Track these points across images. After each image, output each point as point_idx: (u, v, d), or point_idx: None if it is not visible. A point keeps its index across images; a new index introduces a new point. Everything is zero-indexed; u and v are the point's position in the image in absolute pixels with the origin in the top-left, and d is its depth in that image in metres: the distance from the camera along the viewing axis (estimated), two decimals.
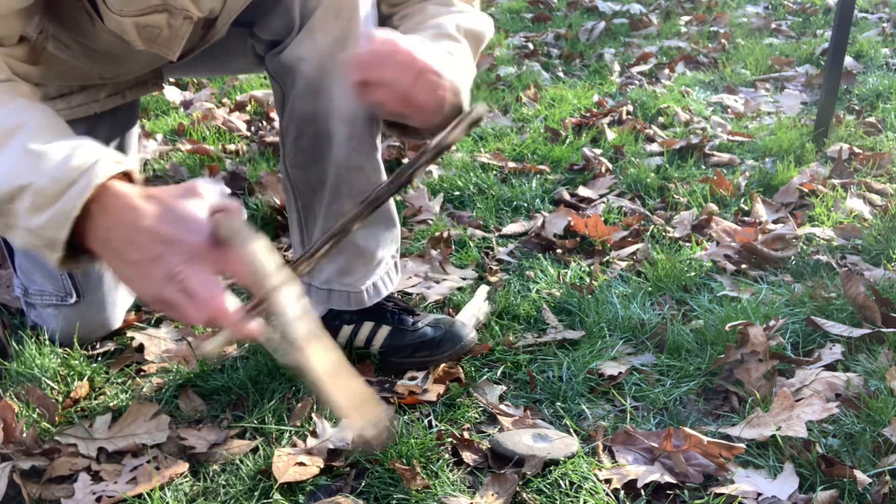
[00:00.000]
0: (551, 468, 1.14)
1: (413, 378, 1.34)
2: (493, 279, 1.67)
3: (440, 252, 1.75)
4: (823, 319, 1.43)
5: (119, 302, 1.47)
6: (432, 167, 2.20)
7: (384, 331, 1.38)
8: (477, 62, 1.26)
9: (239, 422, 1.26)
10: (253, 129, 2.60)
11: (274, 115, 2.67)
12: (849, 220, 1.86)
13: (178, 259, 0.81)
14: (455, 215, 1.99)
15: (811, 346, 1.40)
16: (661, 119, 2.63)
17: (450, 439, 1.20)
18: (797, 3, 4.21)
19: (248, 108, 2.77)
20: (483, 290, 1.58)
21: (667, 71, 3.19)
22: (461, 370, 1.36)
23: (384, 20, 1.25)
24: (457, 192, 2.09)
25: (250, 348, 1.43)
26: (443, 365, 1.36)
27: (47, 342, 1.41)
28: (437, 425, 1.24)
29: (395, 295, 1.44)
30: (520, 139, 2.43)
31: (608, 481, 1.11)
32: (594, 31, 3.72)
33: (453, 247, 1.81)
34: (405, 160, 2.25)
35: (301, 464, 1.14)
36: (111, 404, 1.30)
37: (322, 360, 0.68)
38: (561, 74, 3.22)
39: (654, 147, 2.38)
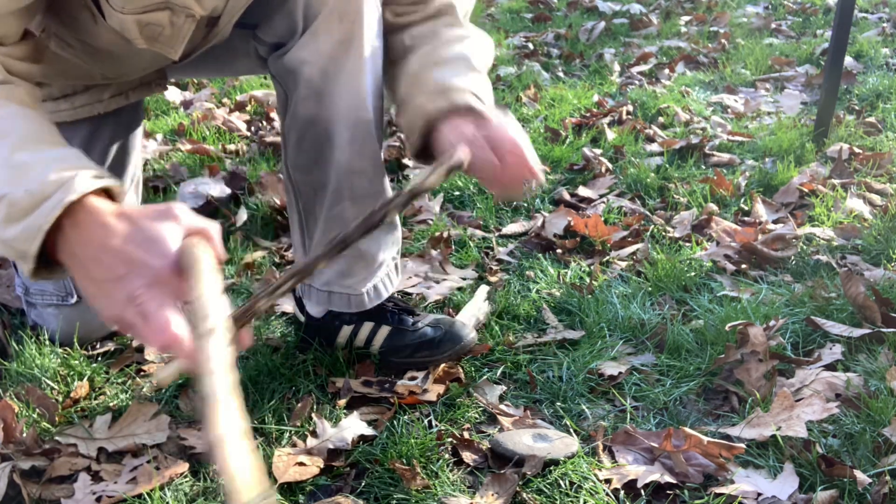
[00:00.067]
0: (551, 468, 1.13)
1: (413, 378, 1.34)
2: (493, 279, 1.67)
3: (440, 252, 1.75)
4: (823, 319, 1.43)
5: None
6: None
7: (384, 331, 1.38)
8: None
9: None
10: (253, 129, 2.60)
11: (274, 115, 2.67)
12: (849, 220, 1.86)
13: (139, 282, 0.82)
14: (455, 215, 1.99)
15: (811, 346, 1.40)
16: (661, 119, 2.63)
17: (450, 439, 1.20)
18: (797, 3, 4.21)
19: (248, 108, 2.77)
20: (483, 290, 1.58)
21: (667, 71, 3.19)
22: (461, 370, 1.36)
23: (390, 29, 1.24)
24: (457, 192, 2.09)
25: (250, 348, 1.43)
26: (443, 365, 1.36)
27: (47, 342, 1.41)
28: (437, 425, 1.24)
29: (395, 295, 1.44)
30: None
31: (608, 481, 1.11)
32: (594, 31, 3.72)
33: (453, 247, 1.81)
34: (405, 160, 2.25)
35: (301, 464, 1.14)
36: (111, 404, 1.30)
37: (228, 422, 0.66)
38: (561, 74, 3.22)
39: (654, 147, 2.38)
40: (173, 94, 2.90)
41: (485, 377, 1.35)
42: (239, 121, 2.62)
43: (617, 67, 3.25)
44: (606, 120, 2.57)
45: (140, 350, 1.44)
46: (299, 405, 1.27)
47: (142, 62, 1.24)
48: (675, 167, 2.21)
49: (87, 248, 0.84)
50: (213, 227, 0.89)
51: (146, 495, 1.09)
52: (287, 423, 1.25)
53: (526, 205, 2.01)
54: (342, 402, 1.29)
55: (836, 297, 1.50)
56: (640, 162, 2.24)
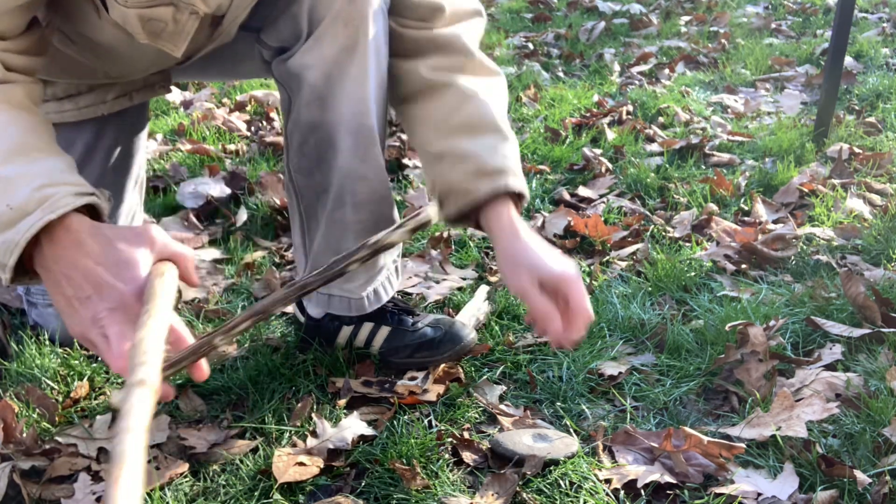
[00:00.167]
0: (551, 468, 1.13)
1: (413, 378, 1.34)
2: (493, 279, 1.67)
3: (440, 252, 1.75)
4: (823, 319, 1.43)
5: None
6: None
7: (384, 331, 1.38)
8: None
9: (239, 422, 1.26)
10: (253, 129, 2.60)
11: (274, 115, 2.67)
12: (849, 220, 1.86)
13: (104, 305, 0.85)
14: None
15: (811, 346, 1.40)
16: (661, 119, 2.63)
17: (450, 439, 1.20)
18: (797, 3, 4.21)
19: (248, 108, 2.77)
20: (483, 290, 1.58)
21: (667, 71, 3.19)
22: (461, 370, 1.36)
23: (395, 40, 1.22)
24: None
25: (250, 348, 1.43)
26: (443, 365, 1.36)
27: (47, 342, 1.41)
28: (437, 425, 1.24)
29: (395, 295, 1.44)
30: (520, 139, 2.43)
31: (608, 481, 1.11)
32: (594, 31, 3.72)
33: (453, 247, 1.81)
34: (405, 160, 2.25)
35: (301, 464, 1.14)
36: (111, 404, 1.30)
37: (128, 490, 0.67)
38: (561, 74, 3.22)
39: (654, 147, 2.38)
40: (173, 94, 2.90)
41: (485, 377, 1.35)
42: (239, 121, 2.62)
43: (617, 67, 3.25)
44: (606, 120, 2.57)
45: None
46: (299, 405, 1.27)
47: (144, 62, 1.24)
48: (675, 167, 2.21)
49: (59, 264, 0.88)
50: (187, 253, 0.93)
51: (146, 495, 1.09)
52: (287, 423, 1.25)
53: (526, 205, 2.01)
54: (342, 402, 1.29)
55: (836, 297, 1.50)
56: (640, 162, 2.24)
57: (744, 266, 1.69)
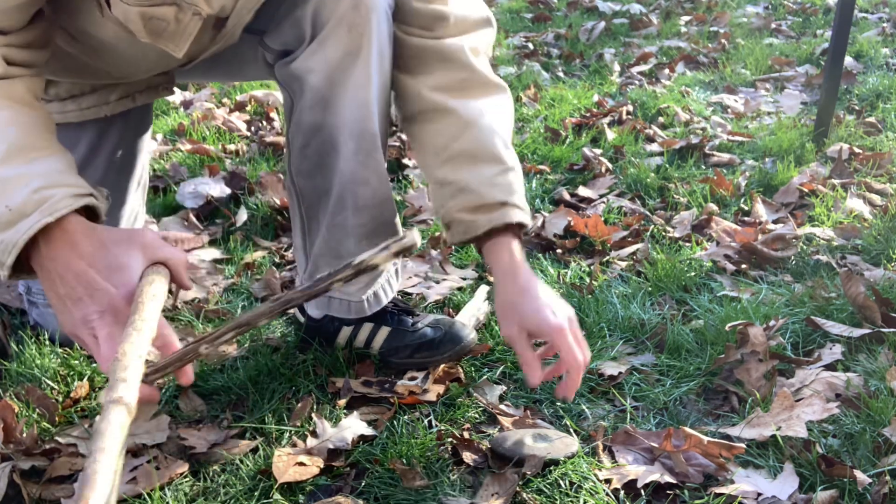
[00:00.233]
0: (551, 468, 1.13)
1: (413, 378, 1.34)
2: (493, 279, 1.67)
3: (440, 252, 1.75)
4: (823, 319, 1.43)
5: None
6: None
7: (384, 332, 1.38)
8: None
9: (239, 422, 1.26)
10: (253, 129, 2.60)
11: (274, 115, 2.67)
12: (849, 220, 1.86)
13: (94, 307, 0.89)
14: None
15: (811, 346, 1.40)
16: (661, 119, 2.63)
17: (450, 439, 1.20)
18: (797, 3, 4.21)
19: (248, 108, 2.77)
20: (483, 290, 1.58)
21: (667, 71, 3.19)
22: (461, 370, 1.36)
23: (398, 47, 1.21)
24: None
25: (250, 348, 1.43)
26: (443, 365, 1.36)
27: (47, 342, 1.41)
28: (437, 425, 1.24)
29: (395, 295, 1.44)
30: (520, 139, 2.43)
31: (608, 481, 1.11)
32: (594, 31, 3.72)
33: (453, 247, 1.81)
34: (405, 160, 2.25)
35: (301, 464, 1.14)
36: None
37: (97, 502, 0.68)
38: (561, 74, 3.22)
39: (654, 147, 2.39)
40: (173, 94, 2.90)
41: (485, 377, 1.35)
42: (239, 121, 2.62)
43: (617, 67, 3.25)
44: (606, 120, 2.57)
45: None
46: (299, 405, 1.27)
47: (147, 62, 1.23)
48: (675, 167, 2.21)
49: (54, 264, 0.90)
50: (179, 258, 0.96)
51: (146, 495, 1.09)
52: (287, 423, 1.25)
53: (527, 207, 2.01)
54: (342, 402, 1.29)
55: (836, 297, 1.50)
56: (640, 162, 2.24)
57: (744, 266, 1.69)
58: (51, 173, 0.92)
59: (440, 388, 1.32)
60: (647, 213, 1.97)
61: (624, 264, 1.73)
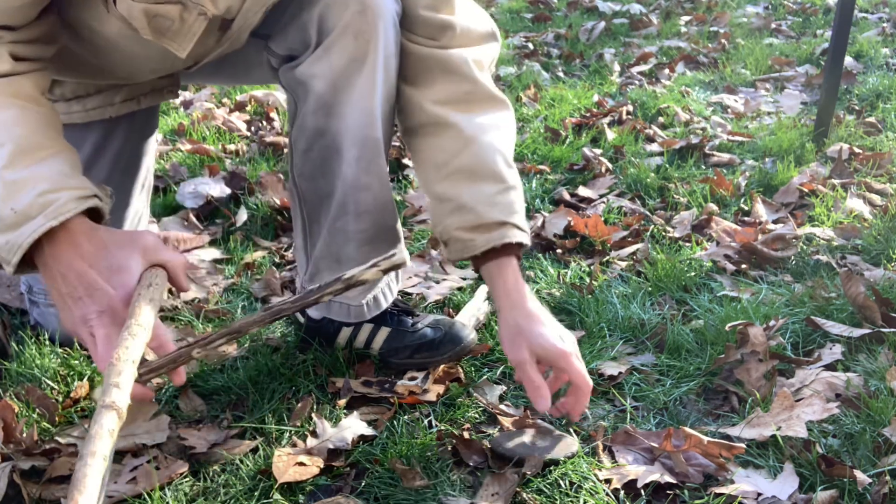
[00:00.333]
0: (551, 468, 1.13)
1: (413, 378, 1.34)
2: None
3: (440, 252, 1.75)
4: (823, 319, 1.43)
5: None
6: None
7: (384, 332, 1.38)
8: None
9: (239, 422, 1.26)
10: (253, 129, 2.60)
11: (274, 115, 2.67)
12: (849, 220, 1.86)
13: (93, 307, 0.92)
14: None
15: (811, 346, 1.40)
16: (661, 119, 2.63)
17: (450, 439, 1.20)
18: (797, 3, 4.21)
19: (248, 108, 2.77)
20: (483, 290, 1.58)
21: (667, 71, 3.19)
22: (461, 370, 1.36)
23: (402, 55, 1.21)
24: None
25: (250, 348, 1.43)
26: (443, 365, 1.36)
27: (47, 342, 1.41)
28: (437, 425, 1.24)
29: (396, 296, 1.44)
30: (520, 139, 2.43)
31: (608, 481, 1.11)
32: (594, 31, 3.72)
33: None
34: (405, 160, 2.25)
35: (301, 464, 1.14)
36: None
37: (92, 475, 0.72)
38: (561, 74, 3.22)
39: (654, 147, 2.39)
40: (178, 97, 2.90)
41: (485, 377, 1.35)
42: (239, 121, 2.62)
43: (617, 67, 3.25)
44: (606, 120, 2.57)
45: None
46: (299, 405, 1.27)
47: (151, 62, 1.23)
48: (675, 167, 2.21)
49: (57, 263, 0.94)
50: (178, 260, 1.00)
51: (146, 495, 1.09)
52: (287, 423, 1.25)
53: (526, 205, 2.01)
54: (342, 402, 1.29)
55: (836, 297, 1.50)
56: (640, 162, 2.24)
57: (744, 266, 1.69)
58: (56, 176, 0.94)
59: (440, 388, 1.32)
60: (647, 213, 1.97)
61: (624, 264, 1.73)
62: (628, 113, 2.67)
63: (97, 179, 1.06)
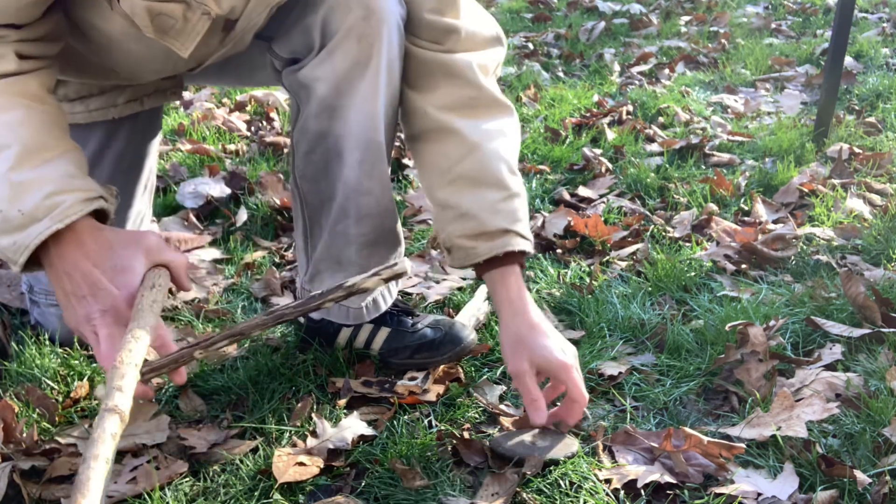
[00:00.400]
0: (551, 468, 1.13)
1: (413, 378, 1.34)
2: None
3: (440, 252, 1.75)
4: (823, 319, 1.43)
5: None
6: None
7: (383, 333, 1.38)
8: None
9: (239, 422, 1.26)
10: (253, 129, 2.60)
11: (274, 115, 2.67)
12: (849, 220, 1.86)
13: (97, 307, 0.94)
14: None
15: (811, 346, 1.40)
16: (661, 119, 2.63)
17: (450, 439, 1.20)
18: (797, 3, 4.21)
19: (248, 108, 2.77)
20: (483, 290, 1.58)
21: (667, 71, 3.19)
22: (461, 370, 1.36)
23: (406, 58, 1.20)
24: None
25: (250, 348, 1.43)
26: (443, 365, 1.36)
27: (47, 342, 1.41)
28: (437, 425, 1.24)
29: (397, 297, 1.44)
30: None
31: (608, 481, 1.11)
32: (594, 31, 3.72)
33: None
34: (405, 160, 2.25)
35: (301, 464, 1.14)
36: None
37: (95, 478, 0.74)
38: (561, 74, 3.22)
39: (654, 147, 2.39)
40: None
41: (485, 377, 1.35)
42: (239, 121, 2.62)
43: (617, 67, 3.25)
44: (606, 120, 2.57)
45: None
46: (299, 405, 1.27)
47: (154, 62, 1.23)
48: (675, 167, 2.21)
49: (62, 262, 0.95)
50: (181, 260, 1.02)
51: (146, 495, 1.09)
52: (287, 423, 1.25)
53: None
54: (342, 402, 1.29)
55: (836, 297, 1.50)
56: (640, 162, 2.24)
57: (744, 266, 1.69)
58: (62, 177, 0.96)
59: (440, 388, 1.32)
60: (647, 213, 1.97)
61: (624, 264, 1.73)
62: (628, 113, 2.67)
63: (99, 180, 1.06)
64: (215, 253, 1.80)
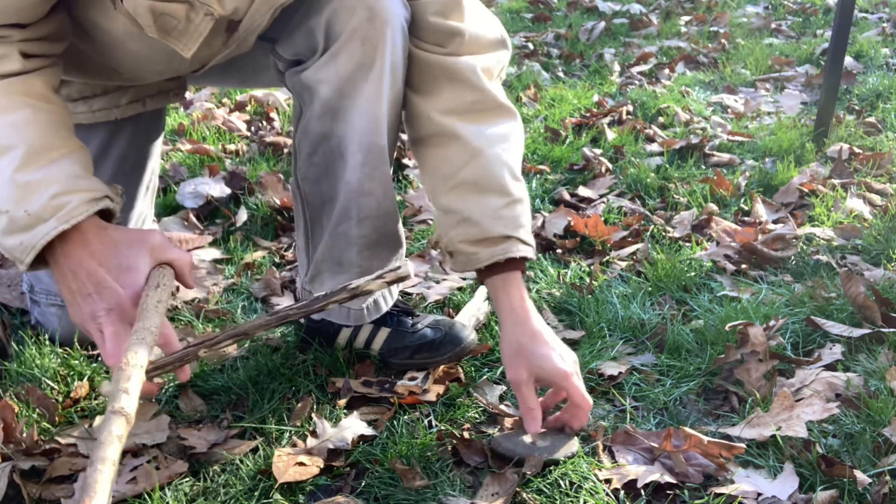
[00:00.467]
0: (551, 468, 1.13)
1: (413, 378, 1.34)
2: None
3: (440, 252, 1.75)
4: (823, 319, 1.43)
5: None
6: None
7: (383, 333, 1.38)
8: None
9: (239, 422, 1.26)
10: (253, 129, 2.60)
11: (274, 115, 2.67)
12: (849, 220, 1.86)
13: (102, 305, 0.95)
14: None
15: (811, 346, 1.40)
16: (661, 119, 2.63)
17: (450, 439, 1.20)
18: (797, 3, 4.21)
19: (248, 108, 2.77)
20: (483, 290, 1.58)
21: (667, 71, 3.19)
22: (461, 370, 1.36)
23: (409, 61, 1.20)
24: None
25: (250, 348, 1.43)
26: (443, 365, 1.36)
27: (47, 342, 1.41)
28: (437, 425, 1.24)
29: (398, 297, 1.43)
30: None
31: (608, 481, 1.11)
32: (594, 31, 3.72)
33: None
34: (405, 160, 2.25)
35: (301, 464, 1.14)
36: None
37: (102, 481, 0.74)
38: (561, 74, 3.22)
39: (654, 147, 2.39)
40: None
41: (485, 377, 1.35)
42: (239, 121, 2.62)
43: (617, 67, 3.25)
44: (606, 120, 2.57)
45: None
46: (299, 405, 1.27)
47: (157, 63, 1.22)
48: (675, 167, 2.21)
49: (68, 261, 0.97)
50: (184, 258, 1.03)
51: (146, 495, 1.09)
52: (287, 423, 1.25)
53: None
54: (342, 402, 1.29)
55: (836, 297, 1.50)
56: (640, 162, 2.24)
57: (744, 266, 1.69)
58: (67, 178, 0.97)
59: (440, 389, 1.32)
60: (647, 213, 1.97)
61: (624, 264, 1.73)
62: (628, 113, 2.67)
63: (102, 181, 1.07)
64: (215, 253, 1.80)
